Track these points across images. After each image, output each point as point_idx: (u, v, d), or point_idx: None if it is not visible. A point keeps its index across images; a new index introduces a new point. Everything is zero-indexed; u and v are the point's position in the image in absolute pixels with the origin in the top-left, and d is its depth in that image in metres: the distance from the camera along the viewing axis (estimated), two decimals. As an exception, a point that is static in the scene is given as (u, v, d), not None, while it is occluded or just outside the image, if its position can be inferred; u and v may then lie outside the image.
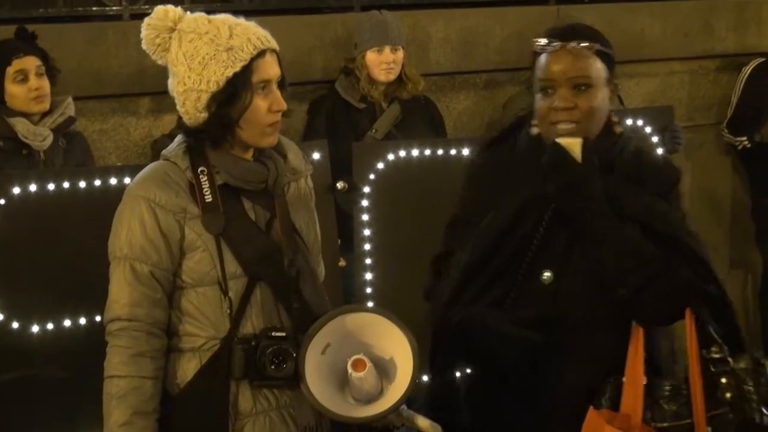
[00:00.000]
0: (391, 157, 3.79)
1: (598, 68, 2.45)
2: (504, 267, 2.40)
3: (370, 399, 2.28)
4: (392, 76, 4.39)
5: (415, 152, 3.70)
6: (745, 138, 5.38)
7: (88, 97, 4.24)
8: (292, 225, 2.46)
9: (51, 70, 3.93)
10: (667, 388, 2.40)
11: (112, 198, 2.42)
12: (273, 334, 2.33)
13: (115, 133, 4.37)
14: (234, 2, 4.76)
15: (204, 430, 2.37)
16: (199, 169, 2.36)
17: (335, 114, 4.42)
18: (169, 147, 2.44)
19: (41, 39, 3.93)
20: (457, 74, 4.94)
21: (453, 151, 3.73)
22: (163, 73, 2.43)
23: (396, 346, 2.26)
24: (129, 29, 4.16)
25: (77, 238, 3.24)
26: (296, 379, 2.30)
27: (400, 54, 4.41)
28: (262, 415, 2.37)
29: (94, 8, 4.54)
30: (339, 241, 3.89)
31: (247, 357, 2.32)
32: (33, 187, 3.31)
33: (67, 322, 3.32)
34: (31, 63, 3.86)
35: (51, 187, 3.33)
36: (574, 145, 2.43)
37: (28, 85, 3.84)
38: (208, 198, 2.34)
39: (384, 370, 2.29)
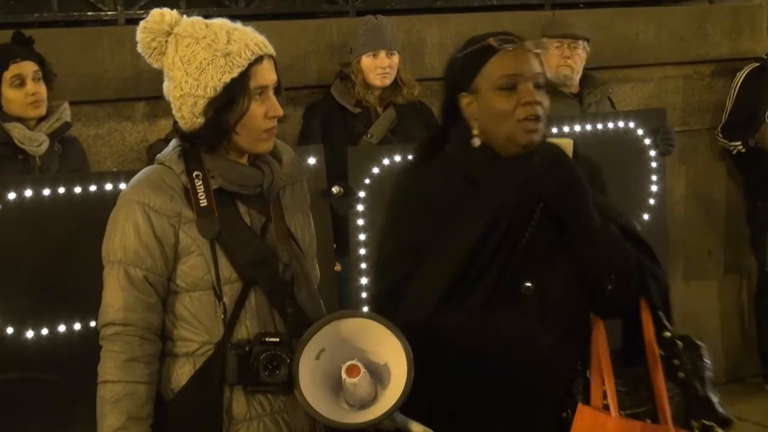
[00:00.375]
0: (386, 161, 3.80)
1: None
2: (485, 274, 2.38)
3: (364, 405, 2.27)
4: (387, 81, 4.40)
5: (410, 157, 3.69)
6: (739, 143, 5.40)
7: (84, 101, 4.24)
8: (287, 229, 2.46)
9: (48, 75, 3.93)
10: (630, 376, 2.43)
11: (108, 203, 2.41)
12: (267, 339, 2.32)
13: (111, 138, 4.37)
14: (230, 7, 4.76)
15: (198, 436, 2.37)
16: (194, 174, 2.35)
17: (331, 119, 4.43)
18: (164, 151, 2.43)
19: (36, 44, 3.93)
20: (452, 79, 4.94)
21: (448, 156, 3.73)
22: (158, 77, 2.43)
23: (390, 351, 2.25)
24: (124, 34, 4.15)
25: (73, 243, 3.25)
26: (290, 384, 2.30)
27: (396, 59, 4.42)
28: (256, 420, 2.36)
29: (90, 13, 4.55)
30: (334, 246, 3.89)
31: (240, 362, 2.31)
32: (29, 193, 3.31)
33: (62, 328, 3.33)
34: (28, 68, 3.86)
35: (47, 192, 3.34)
36: (566, 145, 2.44)
37: (24, 90, 3.84)
38: (203, 202, 2.34)
39: (378, 375, 2.28)
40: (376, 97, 4.43)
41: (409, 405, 2.25)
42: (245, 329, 2.36)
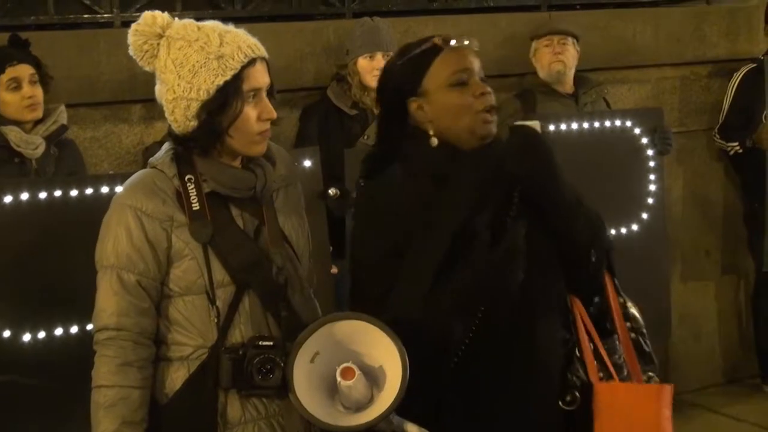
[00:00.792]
0: (382, 163, 3.78)
1: None
2: (472, 263, 2.38)
3: (360, 407, 2.27)
4: (384, 83, 4.40)
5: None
6: (736, 143, 5.40)
7: (80, 104, 4.24)
8: (281, 232, 2.45)
9: (44, 78, 3.93)
10: (606, 346, 2.54)
11: (104, 206, 2.40)
12: (261, 343, 2.31)
13: (107, 141, 4.37)
14: (226, 9, 4.76)
15: (193, 440, 2.36)
16: (186, 177, 2.34)
17: (327, 120, 4.43)
18: (157, 155, 2.43)
19: (33, 46, 3.93)
20: (449, 80, 4.94)
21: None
22: (154, 80, 2.42)
23: (385, 353, 2.25)
24: (120, 36, 4.08)
25: (69, 246, 3.24)
26: (285, 388, 2.29)
27: (392, 61, 4.41)
28: (251, 424, 2.36)
29: (85, 15, 4.55)
30: (330, 248, 3.89)
31: (234, 366, 2.31)
32: (25, 196, 3.31)
33: (59, 331, 3.32)
34: (24, 71, 3.86)
35: (43, 195, 3.33)
36: (536, 126, 2.47)
37: (21, 93, 3.84)
38: (196, 206, 2.33)
39: (374, 378, 2.28)
40: (373, 99, 4.41)
41: (405, 407, 2.24)
42: (239, 333, 2.35)
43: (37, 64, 3.91)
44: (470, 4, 5.34)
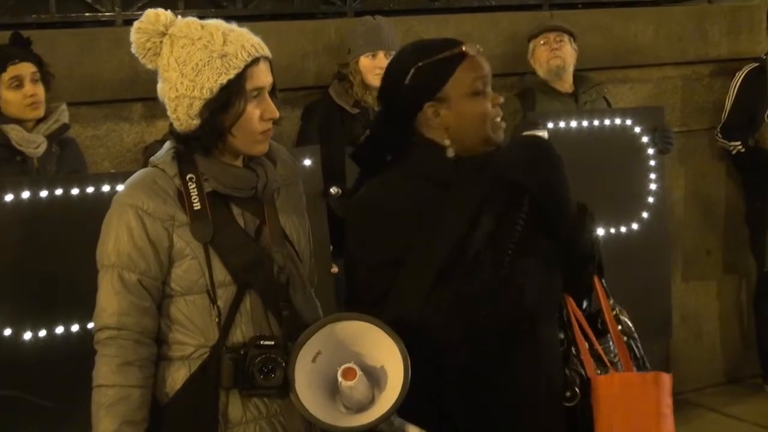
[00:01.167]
0: (384, 162, 3.77)
1: None
2: (479, 267, 2.38)
3: (361, 408, 2.26)
4: (386, 82, 4.39)
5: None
6: (738, 143, 5.39)
7: (81, 103, 4.24)
8: (282, 231, 2.44)
9: (46, 77, 3.92)
10: (602, 346, 2.57)
11: (105, 205, 2.40)
12: (262, 342, 2.31)
13: (108, 139, 4.37)
14: (228, 8, 4.76)
15: (194, 440, 2.36)
16: (188, 176, 2.34)
17: (329, 119, 4.43)
18: (158, 153, 2.42)
19: (34, 45, 3.93)
20: (451, 79, 4.94)
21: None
22: (156, 78, 2.41)
23: (387, 354, 2.25)
24: (121, 35, 4.10)
25: (71, 244, 3.25)
26: (286, 387, 2.29)
27: (394, 59, 4.41)
28: (252, 423, 2.35)
29: (87, 14, 4.55)
30: (331, 247, 3.89)
31: (235, 366, 2.30)
32: (26, 194, 3.31)
33: (60, 329, 3.33)
34: (26, 69, 3.86)
35: (44, 194, 3.34)
36: (545, 135, 2.49)
37: (23, 91, 3.84)
38: (197, 206, 2.33)
39: (375, 378, 2.27)
40: (375, 98, 4.39)
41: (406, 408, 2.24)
42: (240, 332, 2.35)
43: (38, 63, 3.91)
44: (472, 3, 5.34)
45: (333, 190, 3.89)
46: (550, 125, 4.38)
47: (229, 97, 2.30)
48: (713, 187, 5.72)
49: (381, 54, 4.39)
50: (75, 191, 3.37)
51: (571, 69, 4.89)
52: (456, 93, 2.39)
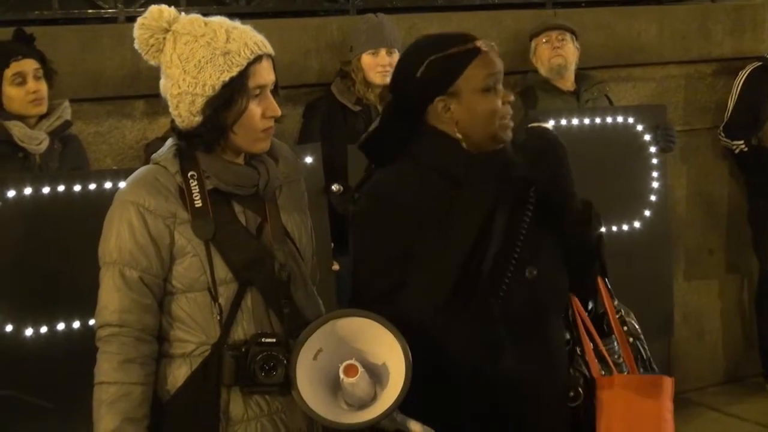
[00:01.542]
0: (386, 160, 3.77)
1: None
2: (492, 264, 2.38)
3: (363, 405, 2.27)
4: (388, 79, 4.32)
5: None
6: (741, 142, 5.39)
7: (83, 99, 4.23)
8: (283, 229, 2.44)
9: (48, 73, 3.92)
10: (606, 347, 2.57)
11: (107, 201, 2.40)
12: (263, 340, 2.31)
13: (110, 136, 4.36)
14: (230, 5, 4.76)
15: (195, 437, 2.36)
16: (189, 174, 2.34)
17: (331, 117, 4.43)
18: (160, 150, 2.42)
19: (37, 41, 3.93)
20: (453, 77, 4.94)
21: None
22: (158, 75, 2.41)
23: (388, 350, 2.25)
24: (124, 31, 4.12)
25: (72, 241, 3.25)
26: (287, 385, 2.29)
27: (396, 57, 4.40)
28: (253, 421, 2.35)
29: (89, 11, 4.55)
30: (332, 245, 3.89)
31: (237, 363, 2.31)
32: (28, 191, 3.32)
33: (61, 326, 3.33)
34: (29, 65, 3.85)
35: (46, 190, 3.34)
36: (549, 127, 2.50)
37: (26, 87, 3.83)
38: (198, 203, 2.32)
39: (377, 375, 2.28)
40: (377, 95, 4.42)
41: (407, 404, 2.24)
42: (241, 330, 2.35)
43: (41, 59, 3.90)
44: (475, 0, 5.33)
45: (335, 187, 3.89)
46: (552, 123, 4.37)
47: (231, 95, 2.30)
48: (716, 186, 5.71)
49: (383, 51, 4.39)
50: (77, 188, 3.38)
51: (572, 67, 4.89)
52: (467, 88, 2.39)
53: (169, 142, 2.42)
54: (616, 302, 2.59)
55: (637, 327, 2.62)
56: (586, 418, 2.47)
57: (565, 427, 2.47)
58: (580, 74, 4.95)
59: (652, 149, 4.70)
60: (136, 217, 2.31)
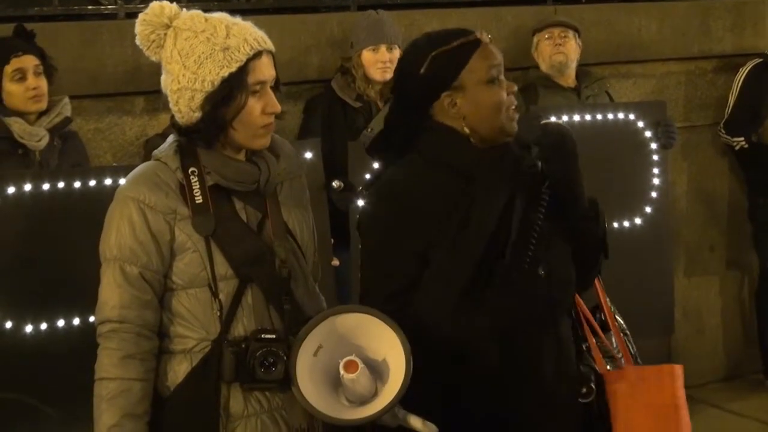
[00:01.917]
0: (386, 156, 3.77)
1: None
2: (507, 261, 2.37)
3: (364, 401, 2.26)
4: (388, 75, 4.39)
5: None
6: (742, 139, 5.39)
7: (83, 96, 4.24)
8: (284, 225, 2.44)
9: (48, 69, 3.92)
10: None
11: (108, 198, 2.40)
12: (263, 336, 2.31)
13: (110, 132, 4.37)
14: (231, 1, 4.76)
15: (195, 433, 2.36)
16: (190, 170, 2.34)
17: (331, 113, 4.43)
18: (161, 147, 2.42)
19: (37, 38, 3.93)
20: (454, 74, 4.94)
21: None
22: (158, 72, 2.41)
23: (389, 346, 2.25)
24: (124, 28, 4.15)
25: (72, 237, 3.25)
26: (287, 381, 2.29)
27: (396, 53, 4.40)
28: (253, 417, 2.35)
29: (90, 7, 4.55)
30: (332, 241, 3.89)
31: (237, 360, 2.30)
32: (28, 187, 3.32)
33: (61, 322, 3.33)
34: (29, 62, 3.85)
35: (46, 187, 3.34)
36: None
37: (26, 84, 3.83)
38: (198, 199, 2.32)
39: (377, 371, 2.27)
40: (377, 92, 4.43)
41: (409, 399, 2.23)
42: (242, 326, 2.35)
43: (41, 56, 3.90)
44: (476, -3, 5.33)
45: (335, 183, 3.89)
46: (553, 119, 4.37)
47: (230, 90, 2.30)
48: (716, 183, 5.71)
49: (383, 48, 4.39)
50: (77, 184, 3.37)
51: (574, 65, 4.89)
52: (471, 81, 2.38)
53: (171, 138, 2.42)
54: (608, 297, 2.61)
55: (623, 323, 2.65)
56: (599, 414, 2.46)
57: (577, 423, 2.46)
58: (581, 71, 4.95)
59: (653, 146, 4.70)
60: (137, 213, 2.31)
